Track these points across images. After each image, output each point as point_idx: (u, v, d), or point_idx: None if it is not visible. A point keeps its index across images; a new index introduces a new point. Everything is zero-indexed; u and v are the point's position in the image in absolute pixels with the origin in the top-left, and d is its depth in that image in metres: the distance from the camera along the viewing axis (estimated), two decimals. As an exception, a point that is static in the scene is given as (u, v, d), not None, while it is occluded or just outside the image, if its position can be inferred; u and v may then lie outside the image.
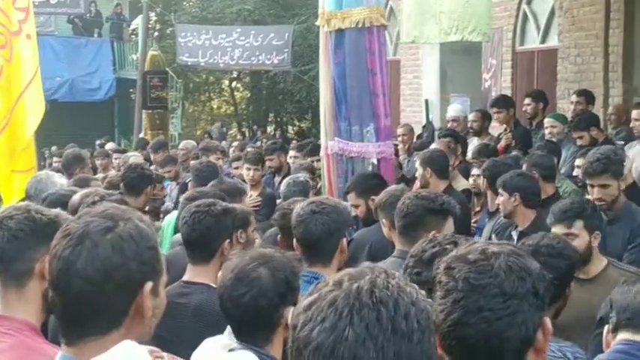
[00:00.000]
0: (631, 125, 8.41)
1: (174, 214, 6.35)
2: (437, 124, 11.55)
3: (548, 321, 1.93)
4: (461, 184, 7.55)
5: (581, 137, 8.22)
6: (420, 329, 1.53)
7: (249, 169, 8.25)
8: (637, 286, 3.08)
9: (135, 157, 10.53)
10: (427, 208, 4.10)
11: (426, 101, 12.20)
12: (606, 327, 3.04)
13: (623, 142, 8.28)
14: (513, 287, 1.89)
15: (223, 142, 19.59)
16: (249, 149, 10.23)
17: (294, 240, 3.92)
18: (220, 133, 27.97)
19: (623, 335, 2.97)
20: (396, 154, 9.16)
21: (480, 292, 1.89)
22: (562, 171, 8.01)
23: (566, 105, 10.67)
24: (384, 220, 4.95)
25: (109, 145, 16.58)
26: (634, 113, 8.32)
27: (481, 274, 1.91)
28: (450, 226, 4.12)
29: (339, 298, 1.54)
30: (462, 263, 1.96)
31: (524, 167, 6.54)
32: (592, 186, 5.45)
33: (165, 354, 1.67)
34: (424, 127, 11.88)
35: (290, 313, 2.84)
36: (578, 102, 9.71)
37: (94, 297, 1.87)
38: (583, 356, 3.43)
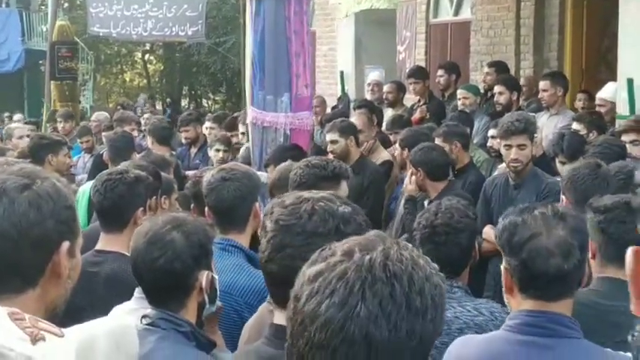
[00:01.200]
0: (539, 96, 8.58)
1: (89, 184, 6.25)
2: (352, 95, 11.57)
3: None
4: (382, 155, 7.58)
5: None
6: (433, 306, 1.46)
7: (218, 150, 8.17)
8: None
9: (19, 129, 10.30)
10: (319, 176, 4.12)
11: (342, 73, 12.20)
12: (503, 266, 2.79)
13: (533, 114, 8.42)
14: (315, 227, 2.10)
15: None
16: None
17: (207, 208, 3.89)
18: (146, 104, 27.59)
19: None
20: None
21: (285, 231, 2.13)
22: (475, 141, 8.12)
23: (479, 77, 10.82)
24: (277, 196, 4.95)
25: (17, 117, 16.20)
26: (541, 84, 8.49)
27: (289, 216, 2.14)
28: (344, 188, 4.15)
29: (349, 270, 1.44)
30: (279, 207, 2.18)
31: (436, 140, 6.62)
32: (509, 147, 5.52)
33: (27, 315, 1.58)
34: (339, 98, 11.90)
35: (204, 277, 2.81)
36: (488, 73, 9.85)
37: (9, 253, 1.81)
38: (500, 311, 3.49)
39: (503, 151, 5.61)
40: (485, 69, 9.95)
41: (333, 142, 6.80)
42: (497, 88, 8.79)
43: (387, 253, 1.47)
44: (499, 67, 9.91)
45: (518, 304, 2.68)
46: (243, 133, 8.56)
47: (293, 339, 1.48)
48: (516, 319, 2.64)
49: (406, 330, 1.41)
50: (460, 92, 9.07)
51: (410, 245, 1.54)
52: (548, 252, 2.58)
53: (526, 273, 2.63)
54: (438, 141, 6.57)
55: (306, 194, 2.19)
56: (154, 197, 4.34)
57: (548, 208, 2.70)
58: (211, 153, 8.32)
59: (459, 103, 8.89)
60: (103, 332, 1.78)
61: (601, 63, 10.77)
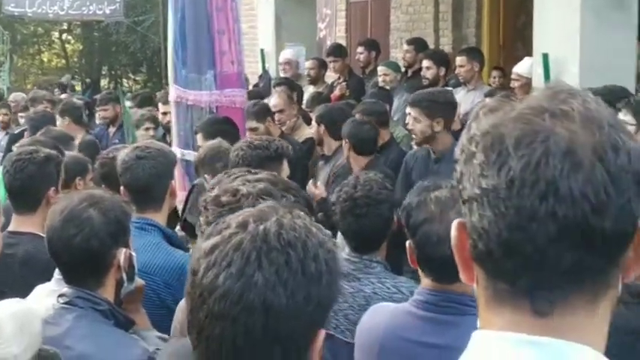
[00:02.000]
0: (456, 72, 8.71)
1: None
2: (273, 73, 11.54)
3: None
4: (305, 132, 7.60)
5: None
6: (328, 271, 1.50)
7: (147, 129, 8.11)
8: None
9: None
10: (263, 156, 4.11)
11: (262, 51, 12.15)
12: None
13: (452, 88, 8.53)
14: None
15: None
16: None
17: (122, 187, 3.84)
18: (69, 84, 27.10)
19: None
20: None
21: None
22: (395, 118, 8.19)
23: (399, 54, 10.87)
24: (206, 176, 4.95)
25: None
26: (458, 60, 8.64)
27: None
28: (285, 168, 4.16)
29: (245, 241, 1.47)
30: (214, 206, 2.14)
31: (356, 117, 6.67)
32: (410, 115, 5.61)
33: None
34: (260, 76, 11.86)
35: (122, 254, 2.79)
36: (407, 50, 9.93)
37: None
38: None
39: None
40: (405, 46, 10.03)
41: (252, 129, 6.77)
42: (424, 63, 8.83)
43: (281, 223, 1.51)
44: (418, 44, 9.99)
45: (423, 279, 2.73)
46: (164, 113, 8.48)
47: (193, 312, 1.51)
48: (420, 295, 2.70)
49: (303, 295, 1.46)
50: (380, 69, 9.12)
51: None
52: (439, 238, 2.53)
53: (421, 255, 2.66)
54: (358, 117, 6.62)
55: (243, 189, 2.14)
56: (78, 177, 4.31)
57: (447, 190, 2.65)
58: (140, 132, 8.24)
59: (380, 79, 8.94)
60: (7, 315, 1.76)
61: (518, 39, 10.92)
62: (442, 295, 2.60)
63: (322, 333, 1.52)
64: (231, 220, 1.54)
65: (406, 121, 6.39)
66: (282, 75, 10.44)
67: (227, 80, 6.96)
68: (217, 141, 5.17)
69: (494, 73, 9.88)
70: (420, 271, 2.71)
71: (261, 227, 1.49)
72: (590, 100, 1.13)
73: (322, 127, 6.62)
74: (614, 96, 5.18)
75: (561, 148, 1.07)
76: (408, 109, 5.63)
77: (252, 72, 12.51)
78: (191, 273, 1.51)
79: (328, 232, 1.57)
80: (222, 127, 5.90)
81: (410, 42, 10.14)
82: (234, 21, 6.98)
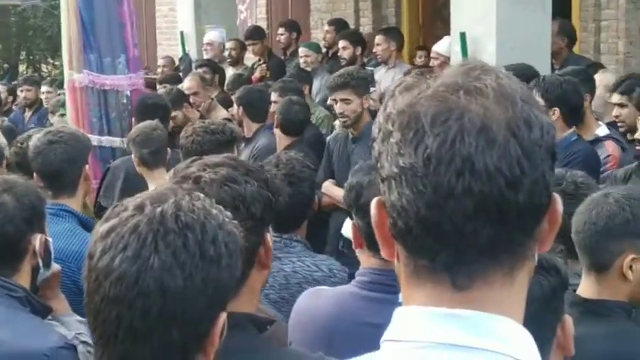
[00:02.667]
0: (374, 51, 8.78)
1: None
2: (194, 55, 11.45)
3: (268, 236, 1.99)
4: (220, 114, 7.54)
5: None
6: (228, 253, 1.49)
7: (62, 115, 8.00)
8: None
9: None
10: (220, 141, 4.13)
11: (182, 33, 12.03)
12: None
13: (372, 69, 8.59)
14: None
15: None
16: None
17: (35, 172, 3.78)
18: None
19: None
20: (154, 86, 9.05)
21: None
22: (317, 99, 8.22)
23: (320, 34, 10.88)
24: (134, 157, 4.94)
25: None
26: (376, 39, 8.73)
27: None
28: (235, 152, 4.22)
29: (141, 223, 1.46)
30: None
31: (272, 95, 6.69)
32: (335, 101, 5.60)
33: None
34: (181, 59, 11.76)
35: (37, 240, 2.75)
36: (327, 31, 9.96)
37: None
38: (339, 268, 3.56)
39: (334, 104, 5.71)
40: (325, 27, 10.05)
41: (171, 118, 6.75)
42: (341, 44, 8.88)
43: (179, 205, 1.50)
44: (338, 24, 10.02)
45: (367, 259, 2.72)
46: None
47: (89, 296, 1.50)
48: (364, 275, 2.70)
49: (201, 278, 1.45)
50: (302, 50, 9.13)
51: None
52: None
53: (372, 234, 2.66)
54: (274, 96, 6.65)
55: (206, 176, 2.03)
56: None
57: None
58: (55, 118, 8.11)
59: (301, 61, 8.95)
60: None
61: (437, 18, 11.01)
62: (389, 274, 2.59)
63: (223, 315, 1.51)
64: (129, 203, 1.52)
65: (334, 106, 6.45)
66: (205, 57, 10.37)
67: (135, 63, 7.01)
68: (152, 124, 5.15)
69: (419, 52, 9.98)
70: (367, 251, 2.70)
71: (159, 209, 1.48)
72: (503, 76, 1.15)
73: (241, 109, 6.61)
74: (524, 76, 5.28)
75: (476, 125, 1.08)
76: (335, 95, 5.61)
77: (174, 55, 12.41)
78: (88, 257, 1.50)
79: (229, 213, 1.55)
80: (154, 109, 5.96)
81: (330, 22, 10.17)
82: (133, 12, 7.05)
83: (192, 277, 1.45)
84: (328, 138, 6.09)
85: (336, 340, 2.64)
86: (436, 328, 1.12)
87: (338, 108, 5.57)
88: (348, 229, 4.78)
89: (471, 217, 1.08)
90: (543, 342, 1.75)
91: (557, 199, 1.15)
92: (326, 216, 5.54)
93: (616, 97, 5.44)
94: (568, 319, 1.81)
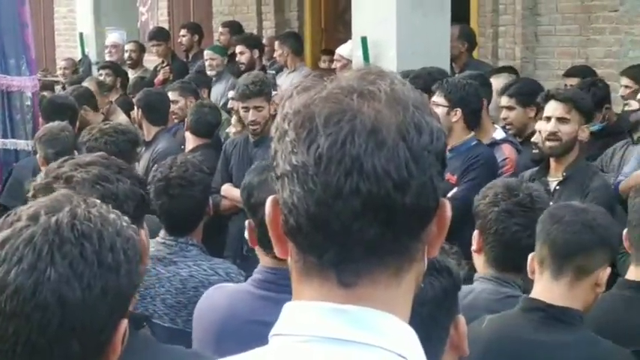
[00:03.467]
0: (275, 54, 8.83)
1: None
2: (93, 58, 11.28)
3: (142, 233, 1.98)
4: (120, 118, 7.47)
5: None
6: (127, 260, 1.45)
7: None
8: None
9: None
10: (134, 141, 4.24)
11: (81, 35, 11.82)
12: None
13: (274, 72, 8.60)
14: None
15: None
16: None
17: None
18: None
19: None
20: (52, 88, 8.91)
21: None
22: (222, 102, 8.20)
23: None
24: (39, 156, 4.94)
25: None
26: (276, 44, 8.74)
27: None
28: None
29: (36, 234, 1.41)
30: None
31: (170, 94, 6.71)
32: (247, 109, 5.59)
33: None
34: (80, 61, 11.56)
35: None
36: (222, 33, 9.96)
37: None
38: (236, 272, 3.55)
39: (242, 113, 5.69)
40: (220, 29, 10.03)
41: None
42: (238, 48, 8.89)
43: (75, 213, 1.46)
44: (232, 27, 10.01)
45: (262, 258, 2.72)
46: None
47: None
48: (259, 274, 2.71)
49: (101, 287, 1.42)
50: (207, 53, 9.06)
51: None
52: None
53: (263, 233, 2.66)
54: (173, 95, 6.67)
55: (77, 175, 2.03)
56: None
57: None
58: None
59: (206, 64, 8.87)
60: None
61: (339, 23, 11.08)
62: (282, 273, 2.60)
63: (124, 322, 1.49)
64: (22, 212, 1.47)
65: (230, 105, 6.44)
66: (108, 59, 10.23)
67: (34, 65, 6.94)
68: (60, 125, 5.10)
69: (324, 57, 10.03)
70: (260, 251, 2.72)
71: (54, 219, 1.43)
72: (397, 82, 1.17)
73: (141, 112, 6.55)
74: (432, 78, 5.36)
75: (367, 127, 1.11)
76: (248, 102, 5.59)
77: (73, 57, 12.20)
78: None
79: (127, 218, 1.53)
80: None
81: (225, 25, 10.16)
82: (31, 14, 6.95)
83: (90, 288, 1.41)
84: (226, 142, 6.08)
85: (226, 337, 2.65)
86: (321, 323, 1.14)
87: (250, 115, 5.56)
88: None
89: (358, 216, 1.11)
90: (436, 342, 1.77)
91: (447, 204, 1.18)
92: (225, 220, 5.53)
93: (504, 100, 5.55)
94: (461, 319, 1.84)
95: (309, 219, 1.13)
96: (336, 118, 1.12)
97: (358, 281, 1.14)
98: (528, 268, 2.76)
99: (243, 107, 5.64)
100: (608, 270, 2.69)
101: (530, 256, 2.76)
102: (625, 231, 3.10)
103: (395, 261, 1.15)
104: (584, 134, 4.48)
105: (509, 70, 7.10)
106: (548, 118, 4.53)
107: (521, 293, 2.98)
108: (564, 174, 4.42)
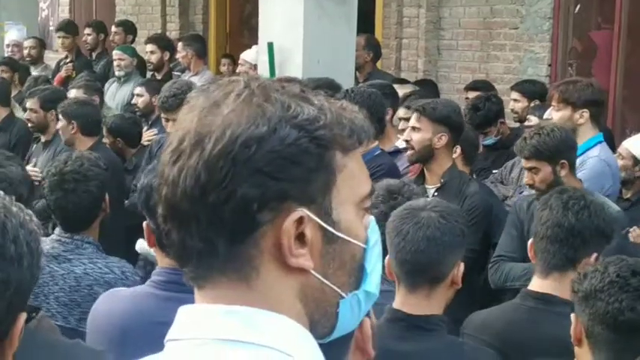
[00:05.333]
0: (177, 56, 8.77)
1: None
2: (-7, 51, 11.05)
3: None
4: (19, 114, 7.40)
5: None
6: (29, 252, 1.43)
7: None
8: None
9: None
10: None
11: (-21, 28, 11.56)
12: None
13: (179, 74, 8.56)
14: None
15: None
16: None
17: None
18: None
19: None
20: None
21: None
22: (125, 103, 8.14)
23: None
24: None
25: None
26: (179, 46, 8.76)
27: None
28: None
29: None
30: None
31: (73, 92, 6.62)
32: (168, 120, 5.59)
33: None
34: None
35: None
36: (116, 32, 9.91)
37: None
38: (132, 271, 3.53)
39: (163, 122, 5.69)
40: (86, 30, 9.89)
41: None
42: (148, 47, 8.79)
43: None
44: (126, 26, 9.95)
45: (161, 259, 2.70)
46: None
47: None
48: (160, 275, 2.67)
49: (1, 279, 1.39)
50: (116, 53, 8.88)
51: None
52: None
53: (162, 234, 2.64)
54: (77, 94, 6.62)
55: None
56: None
57: None
58: None
59: (115, 64, 8.73)
60: None
61: (245, 28, 11.07)
62: (179, 274, 2.57)
63: (23, 316, 1.46)
64: None
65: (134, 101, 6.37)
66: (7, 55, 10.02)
67: None
68: None
69: (224, 60, 9.98)
70: (158, 252, 2.69)
71: None
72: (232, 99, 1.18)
73: (52, 113, 6.43)
74: (324, 88, 5.41)
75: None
76: (170, 115, 5.60)
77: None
78: None
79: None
80: None
81: (118, 24, 10.07)
82: None
83: None
84: (152, 142, 6.01)
85: (130, 339, 2.60)
86: (214, 325, 1.15)
87: (169, 127, 5.62)
88: (139, 246, 4.76)
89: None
90: (339, 344, 1.78)
91: (287, 220, 1.15)
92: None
93: (402, 111, 5.64)
94: (366, 321, 1.84)
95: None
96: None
97: (202, 284, 1.19)
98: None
99: (164, 117, 5.62)
100: (462, 266, 2.71)
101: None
102: (530, 241, 3.17)
103: (227, 267, 1.16)
104: (440, 142, 4.54)
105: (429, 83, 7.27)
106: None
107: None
108: (441, 180, 4.52)
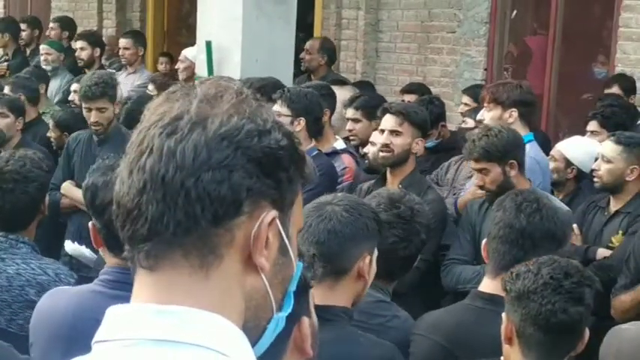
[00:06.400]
0: (120, 54, 8.76)
1: None
2: None
3: None
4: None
5: None
6: None
7: None
8: None
9: None
10: None
11: None
12: None
13: (114, 70, 8.47)
14: None
15: None
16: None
17: None
18: None
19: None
20: None
21: None
22: (56, 99, 8.06)
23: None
24: None
25: None
26: (122, 42, 8.76)
27: None
28: None
29: None
30: None
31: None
32: (90, 109, 5.53)
33: None
34: None
35: None
36: (52, 28, 9.84)
37: None
38: (66, 274, 3.47)
39: (85, 112, 5.59)
40: (51, 24, 9.80)
41: None
42: (78, 44, 8.76)
43: None
44: (63, 22, 9.89)
45: (109, 259, 2.68)
46: None
47: None
48: (108, 274, 2.66)
49: None
50: (43, 48, 8.83)
51: None
52: None
53: (109, 234, 2.61)
54: (7, 89, 6.56)
55: None
56: None
57: None
58: None
59: (42, 58, 8.64)
60: None
61: (182, 26, 11.01)
62: (127, 273, 2.55)
63: None
64: None
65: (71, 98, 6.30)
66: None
67: None
68: None
69: (162, 59, 9.91)
70: (105, 252, 2.68)
71: None
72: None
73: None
74: (270, 87, 5.41)
75: (170, 115, 1.16)
76: (90, 104, 5.53)
77: None
78: None
79: None
80: None
81: (55, 20, 10.05)
82: None
83: None
84: (69, 137, 5.91)
85: (77, 338, 2.57)
86: (146, 325, 1.13)
87: (93, 117, 5.49)
88: (71, 247, 4.69)
89: (141, 192, 1.14)
90: (276, 342, 1.76)
91: (266, 216, 1.17)
92: (64, 219, 5.39)
93: (350, 112, 5.66)
94: (305, 321, 1.84)
95: (117, 205, 1.18)
96: (158, 109, 1.18)
97: (157, 265, 1.15)
98: None
99: (85, 107, 5.53)
100: (368, 259, 2.70)
101: None
102: (484, 242, 3.19)
103: (194, 248, 1.15)
104: (417, 147, 4.60)
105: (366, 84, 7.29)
106: (382, 131, 4.64)
107: (389, 299, 3.06)
108: (400, 185, 4.53)
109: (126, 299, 1.03)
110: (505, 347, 2.57)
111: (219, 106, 1.17)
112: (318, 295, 2.67)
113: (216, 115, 1.16)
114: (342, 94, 6.10)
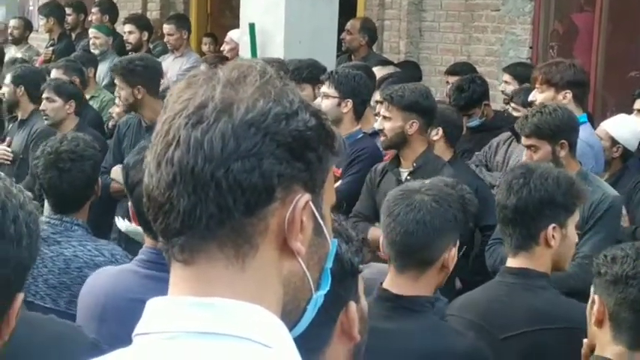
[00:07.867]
0: (165, 39, 8.73)
1: None
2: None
3: None
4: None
5: None
6: (28, 233, 1.42)
7: None
8: None
9: None
10: None
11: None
12: None
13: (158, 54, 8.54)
14: None
15: None
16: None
17: None
18: None
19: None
20: None
21: None
22: (104, 82, 8.16)
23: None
24: None
25: None
26: (166, 28, 8.71)
27: None
28: None
29: None
30: None
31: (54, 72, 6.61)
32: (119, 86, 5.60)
33: None
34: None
35: None
36: (93, 12, 9.82)
37: None
38: (121, 254, 3.52)
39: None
40: (93, 8, 9.85)
41: None
42: (126, 28, 8.76)
43: None
44: (102, 6, 9.86)
45: (146, 239, 2.73)
46: None
47: None
48: (143, 254, 2.71)
49: (0, 258, 1.40)
50: (92, 32, 8.85)
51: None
52: None
53: (139, 213, 2.68)
54: (57, 74, 6.56)
55: None
56: None
57: None
58: None
59: (90, 42, 8.69)
60: None
61: (226, 8, 11.02)
62: (159, 253, 2.60)
63: (20, 296, 1.46)
64: None
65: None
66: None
67: None
68: None
69: (206, 39, 9.95)
70: (145, 231, 2.71)
71: None
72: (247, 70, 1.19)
73: (22, 89, 6.38)
74: (304, 69, 5.43)
75: (194, 104, 1.14)
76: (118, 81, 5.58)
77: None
78: None
79: (29, 193, 1.51)
80: None
81: (68, 4, 10.05)
82: None
83: None
84: (119, 122, 5.96)
85: (108, 315, 2.65)
86: (184, 317, 1.13)
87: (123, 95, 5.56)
88: (124, 225, 4.74)
89: (171, 185, 1.13)
90: (321, 328, 1.78)
91: (299, 200, 1.16)
92: (114, 202, 5.45)
93: (378, 95, 5.64)
94: (352, 305, 1.84)
95: (148, 197, 1.17)
96: (182, 96, 1.17)
97: (193, 259, 1.15)
98: None
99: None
100: (454, 251, 2.74)
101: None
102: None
103: (229, 240, 1.14)
104: (412, 129, 4.55)
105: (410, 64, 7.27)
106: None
107: None
108: (414, 164, 4.53)
109: (157, 279, 1.05)
110: (593, 329, 2.53)
111: (243, 89, 1.15)
112: (402, 286, 2.71)
113: (241, 100, 1.14)
114: (381, 75, 6.09)
